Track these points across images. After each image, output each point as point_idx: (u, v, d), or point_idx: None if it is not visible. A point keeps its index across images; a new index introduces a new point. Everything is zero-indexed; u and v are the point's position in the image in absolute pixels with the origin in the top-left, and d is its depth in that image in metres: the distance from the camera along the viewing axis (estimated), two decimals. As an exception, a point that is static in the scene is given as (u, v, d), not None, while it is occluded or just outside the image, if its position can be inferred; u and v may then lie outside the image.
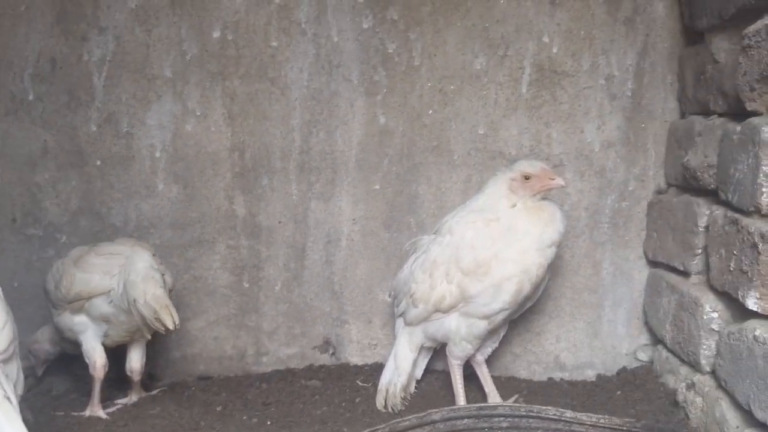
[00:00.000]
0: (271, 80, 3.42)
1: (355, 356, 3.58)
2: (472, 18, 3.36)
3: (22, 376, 2.42)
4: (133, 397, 3.22)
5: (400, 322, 3.22)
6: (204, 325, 3.52)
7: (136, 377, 3.17)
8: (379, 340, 3.57)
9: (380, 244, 3.52)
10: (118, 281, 2.91)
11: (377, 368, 3.41)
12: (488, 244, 2.84)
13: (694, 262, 2.92)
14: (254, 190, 3.49)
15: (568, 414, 2.51)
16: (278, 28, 3.40)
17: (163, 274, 2.93)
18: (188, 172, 3.47)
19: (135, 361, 3.14)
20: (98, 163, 3.46)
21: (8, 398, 2.16)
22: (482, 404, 2.66)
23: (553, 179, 2.83)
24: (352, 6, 3.37)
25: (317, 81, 3.43)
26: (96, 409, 3.05)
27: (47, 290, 3.10)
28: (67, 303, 3.00)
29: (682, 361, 2.98)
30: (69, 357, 3.31)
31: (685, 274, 3.00)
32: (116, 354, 3.15)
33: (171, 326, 2.81)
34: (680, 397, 2.91)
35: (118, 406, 3.16)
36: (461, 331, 2.97)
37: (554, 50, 3.35)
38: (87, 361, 3.04)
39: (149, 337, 3.01)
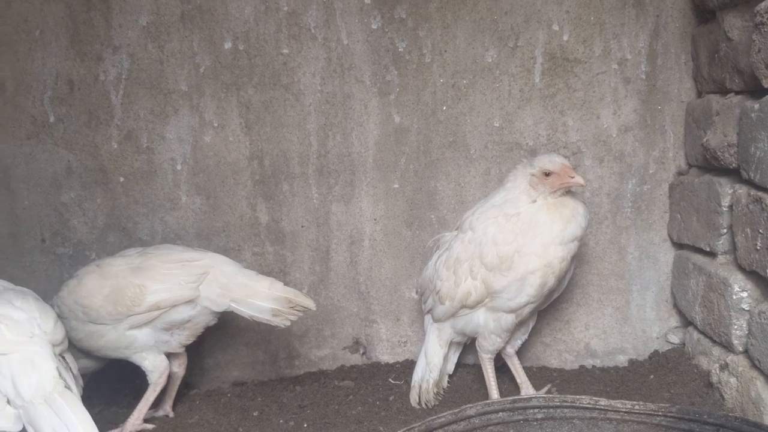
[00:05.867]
0: (285, 87, 3.45)
1: (385, 355, 3.61)
2: (480, 11, 3.36)
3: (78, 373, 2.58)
4: (167, 408, 3.25)
5: (428, 318, 3.24)
6: (235, 332, 3.56)
7: (177, 383, 3.22)
8: (408, 337, 3.60)
9: (403, 243, 3.54)
10: (205, 288, 2.95)
11: (408, 365, 3.45)
12: (510, 239, 2.84)
13: (720, 242, 2.90)
14: (275, 197, 3.52)
15: (603, 402, 2.48)
16: (288, 35, 3.42)
17: None
18: (210, 183, 3.51)
19: (177, 366, 3.19)
20: (121, 179, 3.52)
21: (69, 388, 2.28)
22: (516, 397, 2.67)
23: (573, 177, 2.81)
24: (359, 8, 3.39)
25: (330, 84, 3.45)
26: (140, 422, 3.07)
27: (83, 305, 2.94)
28: (126, 316, 2.94)
29: (714, 342, 2.97)
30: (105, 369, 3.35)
31: (711, 254, 2.99)
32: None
33: (314, 306, 2.97)
34: (714, 379, 2.90)
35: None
36: (489, 325, 2.98)
37: (565, 38, 3.34)
38: (150, 373, 3.04)
39: (288, 324, 3.01)
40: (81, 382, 2.60)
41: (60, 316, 3.00)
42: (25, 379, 2.27)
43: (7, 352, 2.31)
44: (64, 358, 2.54)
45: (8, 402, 2.29)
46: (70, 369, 2.55)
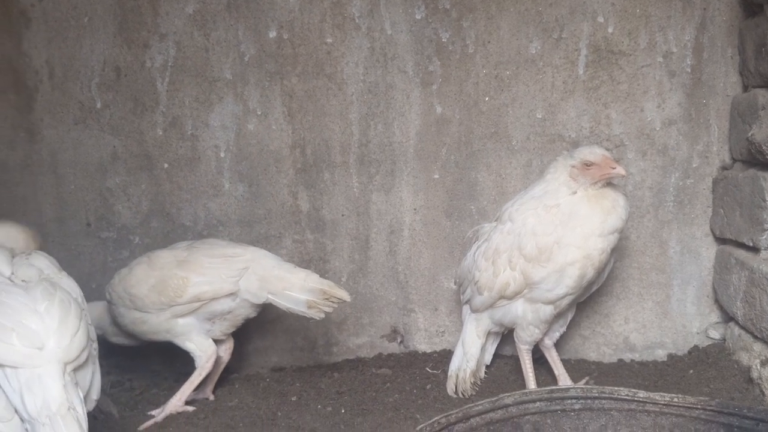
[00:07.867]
0: (328, 76, 3.48)
1: (423, 344, 3.63)
2: (524, 2, 3.35)
3: (98, 379, 2.39)
4: (208, 392, 3.30)
5: (466, 309, 3.25)
6: (274, 318, 3.61)
7: (221, 368, 3.28)
8: (446, 327, 3.61)
9: (442, 233, 3.55)
10: (245, 281, 3.03)
11: (446, 355, 3.46)
12: (550, 230, 2.84)
13: (764, 237, 2.88)
14: (317, 185, 3.56)
15: (641, 394, 2.48)
16: (332, 25, 3.45)
17: None
18: (252, 171, 3.56)
19: (224, 350, 3.26)
20: (166, 165, 3.58)
21: (73, 408, 2.13)
22: (554, 387, 2.67)
23: (614, 168, 2.79)
24: (404, -2, 3.40)
25: (373, 74, 3.47)
26: (182, 404, 3.12)
27: (130, 294, 3.06)
28: (169, 306, 3.04)
29: (756, 337, 2.94)
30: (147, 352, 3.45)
31: (754, 249, 2.96)
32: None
33: (348, 298, 3.03)
34: (755, 374, 2.87)
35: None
36: (528, 316, 2.98)
37: (610, 30, 3.32)
38: (197, 357, 3.11)
39: (322, 316, 3.07)
40: (96, 394, 2.46)
41: (110, 302, 3.15)
42: (31, 396, 2.11)
43: (18, 365, 2.15)
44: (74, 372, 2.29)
45: (16, 411, 2.20)
46: (78, 384, 2.28)
